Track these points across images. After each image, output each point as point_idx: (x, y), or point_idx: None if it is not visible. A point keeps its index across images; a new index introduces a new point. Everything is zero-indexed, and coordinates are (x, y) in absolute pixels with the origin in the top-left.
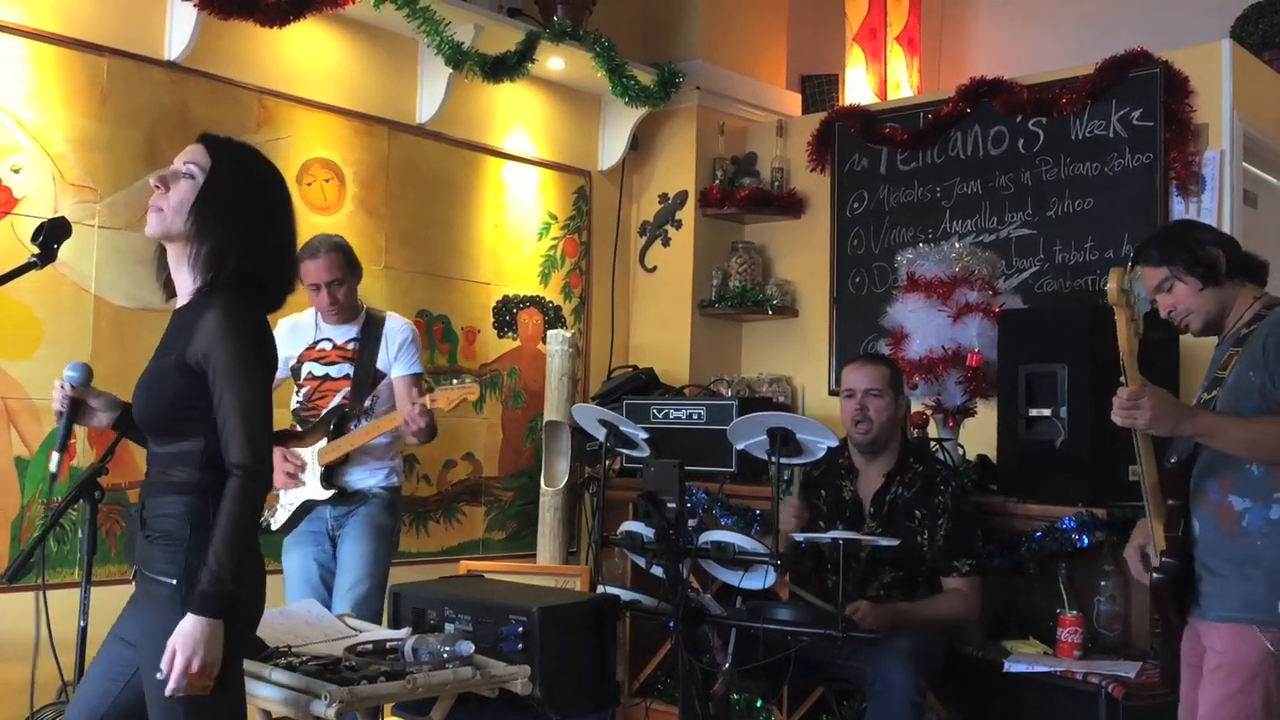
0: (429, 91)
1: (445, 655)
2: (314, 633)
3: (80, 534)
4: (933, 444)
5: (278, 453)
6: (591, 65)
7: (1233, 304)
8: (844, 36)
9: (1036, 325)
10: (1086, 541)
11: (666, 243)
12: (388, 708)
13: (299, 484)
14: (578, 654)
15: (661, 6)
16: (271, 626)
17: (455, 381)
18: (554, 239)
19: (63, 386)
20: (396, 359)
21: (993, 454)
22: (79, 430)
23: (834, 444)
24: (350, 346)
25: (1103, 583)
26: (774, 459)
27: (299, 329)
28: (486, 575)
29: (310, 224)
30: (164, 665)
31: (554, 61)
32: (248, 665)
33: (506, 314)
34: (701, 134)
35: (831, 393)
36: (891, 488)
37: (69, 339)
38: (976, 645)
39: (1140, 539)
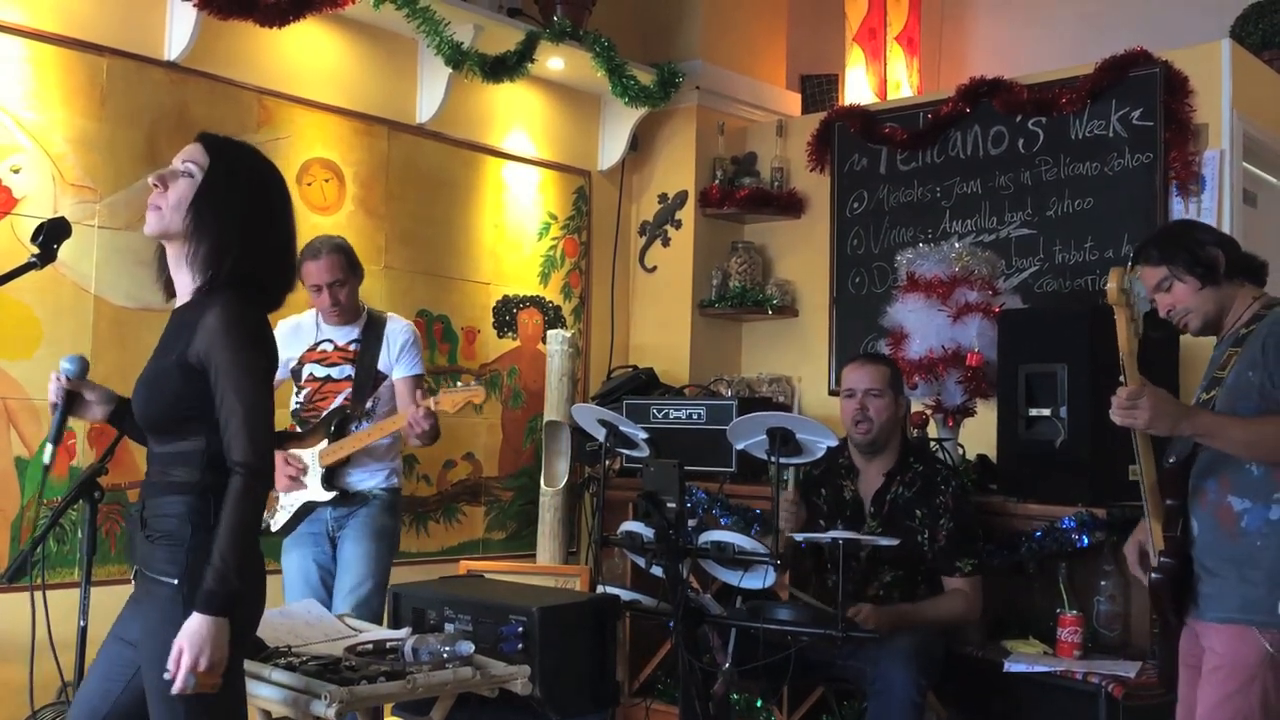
0: (429, 91)
1: (445, 655)
2: (314, 633)
3: (80, 534)
4: (933, 444)
5: (279, 456)
6: (591, 65)
7: (1232, 304)
8: (844, 36)
9: (1036, 325)
10: (1086, 541)
11: (666, 243)
12: (388, 708)
13: (301, 487)
14: (578, 654)
15: (661, 6)
16: (271, 626)
17: (459, 384)
18: (554, 239)
19: (58, 379)
20: (398, 360)
21: (993, 454)
22: (79, 430)
23: (834, 444)
24: (352, 348)
25: (1103, 582)
26: (774, 459)
27: (300, 330)
28: (486, 575)
29: (310, 224)
30: (171, 664)
31: (554, 61)
32: (248, 665)
33: (506, 314)
34: (701, 134)
35: (831, 393)
36: (892, 487)
37: (69, 339)
38: (976, 645)
39: (1141, 535)
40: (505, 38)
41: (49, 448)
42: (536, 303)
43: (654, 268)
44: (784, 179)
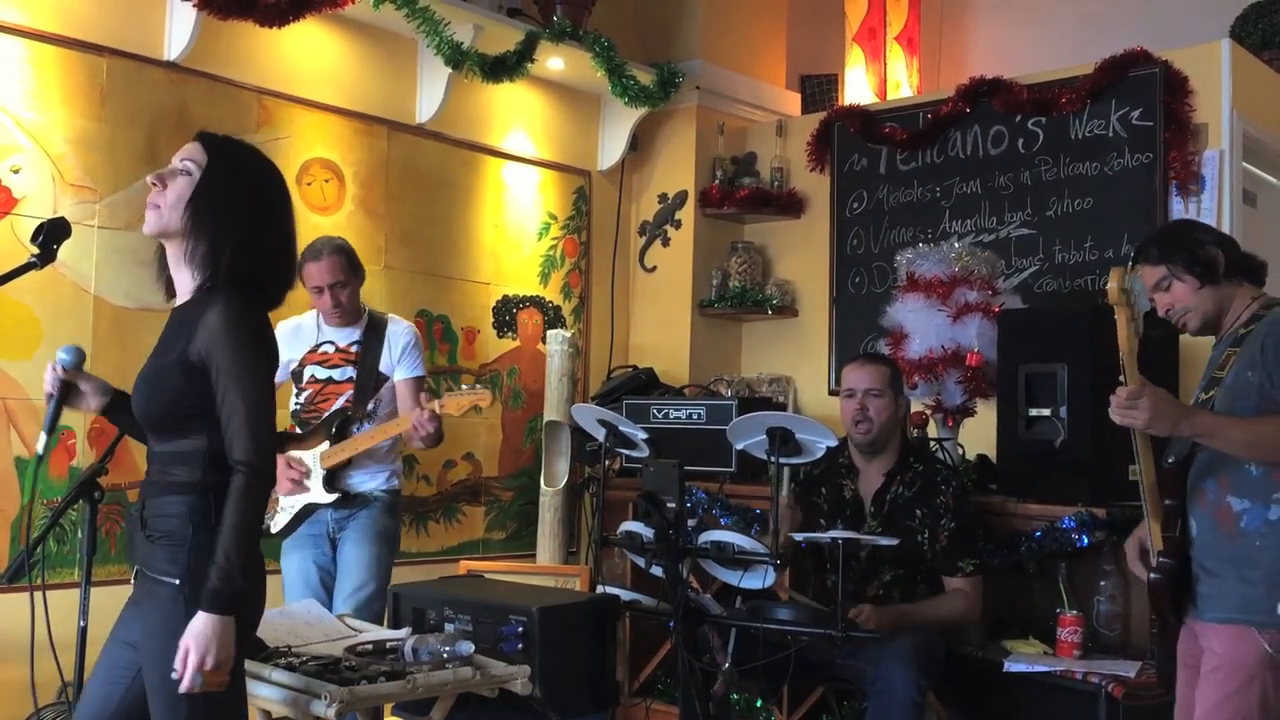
0: (428, 91)
1: (445, 655)
2: (314, 633)
3: (80, 534)
4: (932, 444)
5: (281, 460)
6: (591, 65)
7: (1230, 303)
8: (844, 36)
9: (1036, 325)
10: (1086, 541)
11: (666, 243)
12: (388, 708)
13: (304, 490)
14: (578, 654)
15: (661, 6)
16: (271, 626)
17: (464, 387)
18: (554, 239)
19: (54, 369)
20: (400, 362)
21: (992, 454)
22: (79, 430)
23: (833, 444)
24: (353, 349)
25: (1102, 582)
26: (773, 459)
27: (300, 331)
28: (486, 575)
29: (310, 224)
30: (178, 664)
31: (553, 61)
32: (248, 665)
33: (506, 314)
34: (701, 134)
35: (831, 392)
36: (892, 487)
37: (69, 339)
38: (976, 645)
39: (1142, 533)
40: (505, 38)
41: (43, 437)
42: (536, 303)
43: (654, 268)
44: (784, 179)
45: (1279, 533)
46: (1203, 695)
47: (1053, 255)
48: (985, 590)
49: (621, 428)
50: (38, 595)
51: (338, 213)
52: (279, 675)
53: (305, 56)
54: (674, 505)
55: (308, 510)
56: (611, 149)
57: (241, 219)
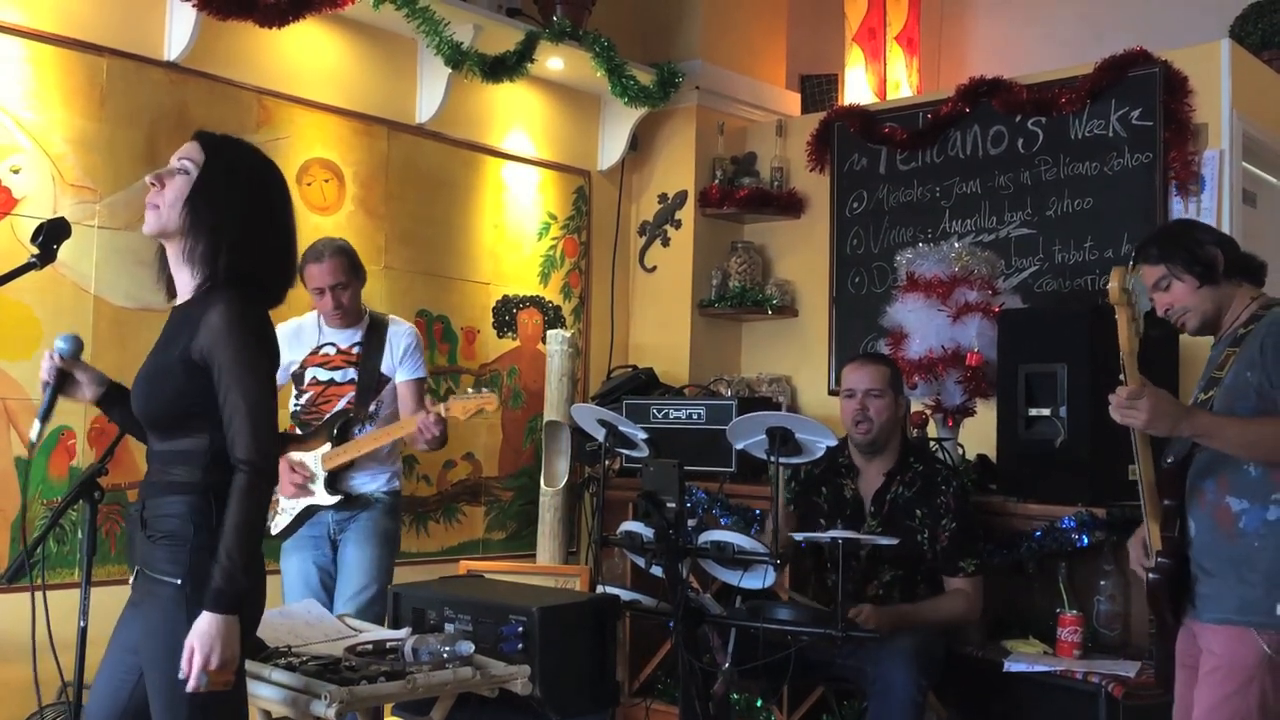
0: (428, 91)
1: (445, 655)
2: (314, 633)
3: (80, 534)
4: (932, 444)
5: (284, 463)
6: (591, 65)
7: (1230, 303)
8: (843, 36)
9: (1036, 325)
10: (1086, 541)
11: (666, 243)
12: (388, 708)
13: (309, 494)
14: (578, 654)
15: (661, 6)
16: (271, 626)
17: (471, 390)
18: (553, 239)
19: (52, 357)
20: (401, 364)
21: (992, 454)
22: (79, 430)
23: (833, 444)
24: (355, 351)
25: (1102, 582)
26: (773, 459)
27: (301, 333)
28: (486, 575)
29: (310, 224)
30: (184, 664)
31: (553, 61)
32: (248, 665)
33: (506, 314)
34: (701, 134)
35: (831, 392)
36: (892, 487)
37: None
38: (976, 645)
39: (1144, 533)
40: (505, 38)
41: (37, 425)
42: (536, 303)
43: (654, 268)
44: (784, 179)
45: (1278, 533)
46: (1201, 696)
47: (1053, 255)
48: (985, 590)
49: (621, 428)
50: (38, 595)
51: (337, 213)
52: (279, 675)
53: (305, 56)
54: (674, 505)
55: (309, 512)
56: (611, 149)
57: (240, 217)
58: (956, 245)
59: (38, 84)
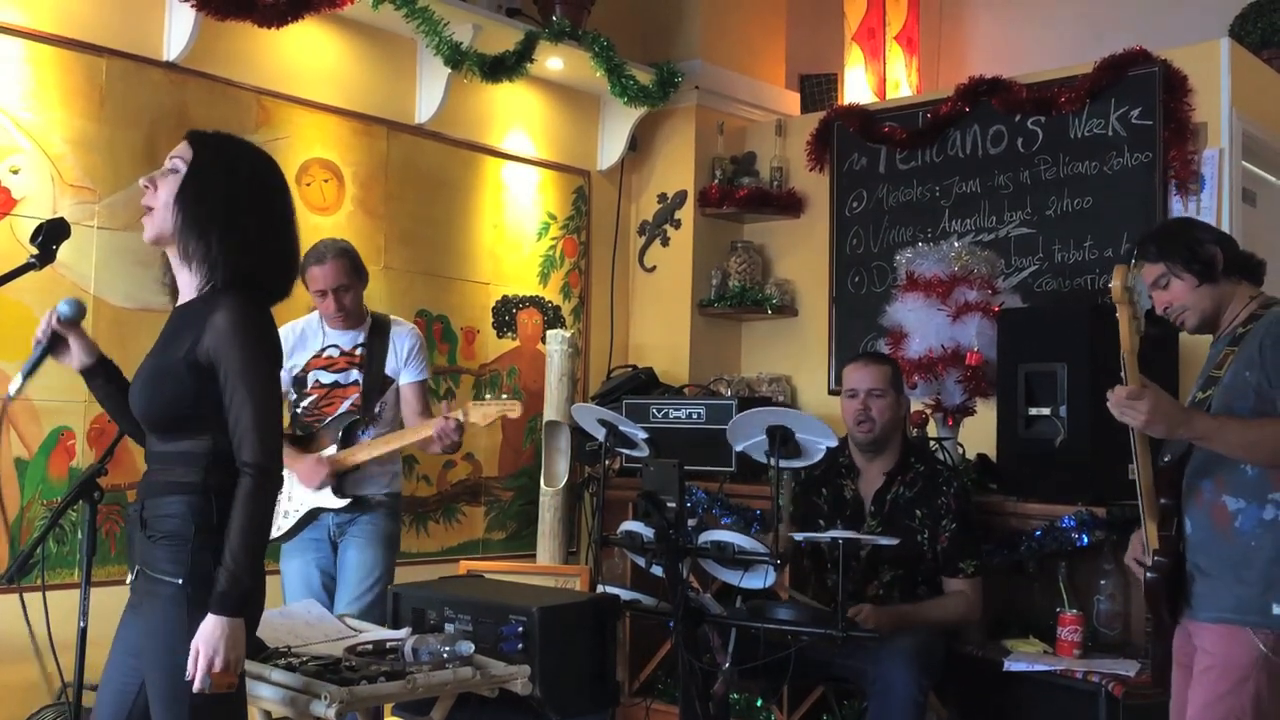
0: (428, 91)
1: (445, 655)
2: (314, 633)
3: (80, 535)
4: (932, 443)
5: (312, 457)
6: (590, 65)
7: (1229, 302)
8: (843, 36)
9: (1036, 324)
10: (1086, 540)
11: (666, 242)
12: (388, 708)
13: (320, 494)
14: (578, 654)
15: (660, 6)
16: (271, 626)
17: (489, 396)
18: (553, 239)
19: (51, 317)
20: (406, 365)
21: (992, 453)
22: (79, 430)
23: (833, 444)
24: (358, 352)
25: (1102, 581)
26: (773, 459)
27: (304, 336)
28: (486, 575)
29: (310, 224)
30: (190, 666)
31: (553, 61)
32: (248, 665)
33: (506, 314)
34: (700, 134)
35: (832, 392)
36: (893, 487)
37: None
38: (977, 644)
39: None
40: (504, 38)
41: (19, 379)
42: (536, 303)
43: (653, 267)
44: (783, 178)
45: (1274, 533)
46: (1195, 695)
47: (1052, 255)
48: (985, 590)
49: (621, 427)
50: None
51: (337, 213)
52: (279, 675)
53: (304, 57)
54: (674, 505)
55: (313, 514)
56: (611, 149)
57: (233, 212)
58: (956, 245)
59: (37, 84)
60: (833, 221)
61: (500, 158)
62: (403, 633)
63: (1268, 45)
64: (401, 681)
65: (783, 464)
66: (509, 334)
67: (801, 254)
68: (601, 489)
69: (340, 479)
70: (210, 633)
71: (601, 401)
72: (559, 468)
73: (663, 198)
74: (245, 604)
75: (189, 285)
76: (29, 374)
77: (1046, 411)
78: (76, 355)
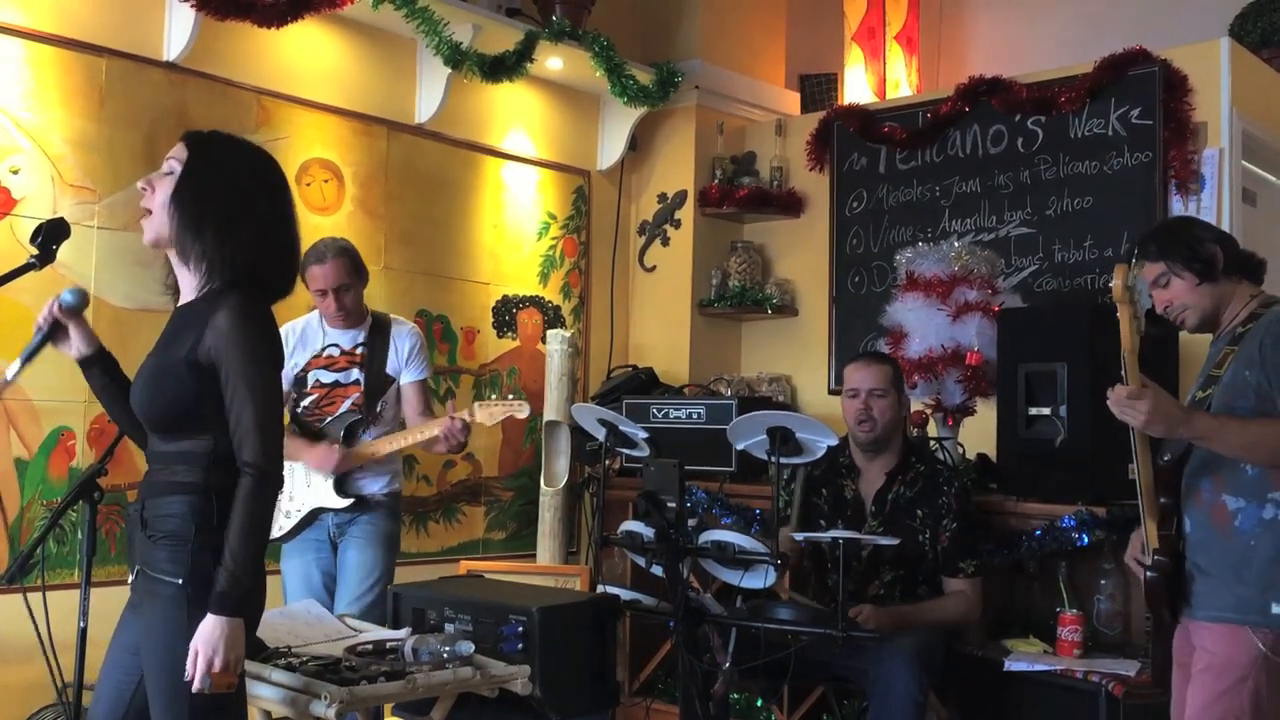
0: (428, 91)
1: (445, 655)
2: (314, 633)
3: (80, 535)
4: (932, 443)
5: (324, 444)
6: (590, 65)
7: (1229, 301)
8: (843, 36)
9: (1036, 324)
10: (1086, 540)
11: (666, 242)
12: (388, 708)
13: (323, 492)
14: (578, 654)
15: (660, 6)
16: (271, 626)
17: (494, 396)
18: (553, 239)
19: (53, 304)
20: (408, 364)
21: (992, 453)
22: (79, 430)
23: (834, 443)
24: (359, 352)
25: (1103, 581)
26: (774, 459)
27: (304, 336)
28: (486, 575)
29: (310, 224)
30: (189, 666)
31: (553, 61)
32: (248, 665)
33: (506, 314)
34: (700, 133)
35: (832, 392)
36: (893, 487)
37: None
38: (977, 644)
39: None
40: (504, 37)
41: (16, 364)
42: (536, 303)
43: (653, 267)
44: (783, 178)
45: (1273, 532)
46: (1194, 694)
47: (1052, 254)
48: (985, 590)
49: (621, 427)
50: (37, 595)
51: (337, 213)
52: (279, 675)
53: (304, 57)
54: (674, 505)
55: (314, 514)
56: (611, 149)
57: (229, 210)
58: (956, 244)
59: (37, 84)
60: (833, 221)
61: (500, 157)
62: (403, 633)
63: (1267, 45)
64: (401, 681)
65: (784, 460)
66: (509, 334)
67: (801, 254)
68: (601, 489)
69: (341, 479)
70: (210, 633)
71: (601, 401)
72: (559, 468)
73: (663, 198)
74: (245, 604)
75: (190, 285)
76: (28, 359)
77: (1046, 411)
78: (76, 344)
